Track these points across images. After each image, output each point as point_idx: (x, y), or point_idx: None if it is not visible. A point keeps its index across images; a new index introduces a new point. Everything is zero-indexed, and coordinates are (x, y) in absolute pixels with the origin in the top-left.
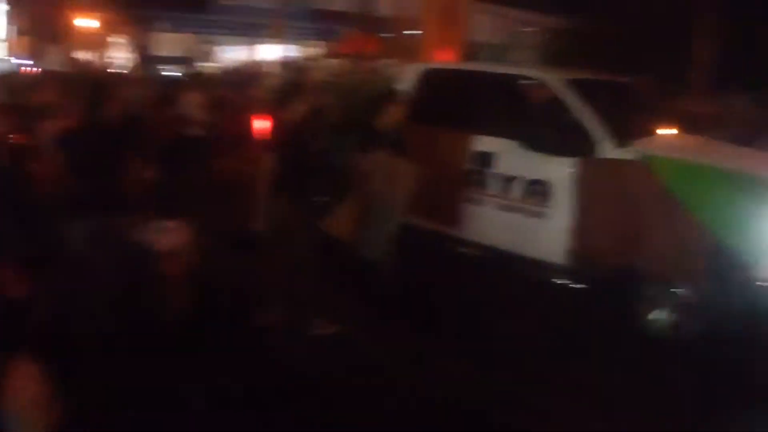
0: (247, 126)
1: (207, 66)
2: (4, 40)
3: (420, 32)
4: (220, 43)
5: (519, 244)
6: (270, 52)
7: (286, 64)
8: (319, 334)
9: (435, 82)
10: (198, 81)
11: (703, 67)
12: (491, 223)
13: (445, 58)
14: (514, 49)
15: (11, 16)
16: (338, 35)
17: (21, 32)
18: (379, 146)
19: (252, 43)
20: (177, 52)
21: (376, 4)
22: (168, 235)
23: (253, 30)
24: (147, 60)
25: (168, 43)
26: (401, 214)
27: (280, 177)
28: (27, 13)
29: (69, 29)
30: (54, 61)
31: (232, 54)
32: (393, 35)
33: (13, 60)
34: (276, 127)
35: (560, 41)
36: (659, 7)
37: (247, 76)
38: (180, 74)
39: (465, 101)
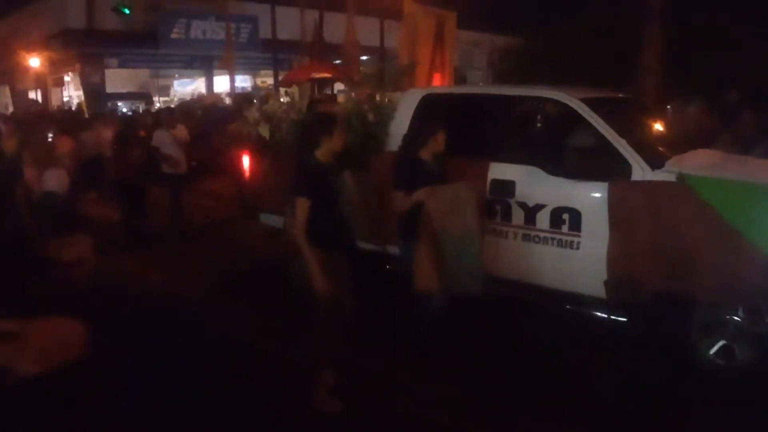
0: (238, 163)
1: (164, 100)
2: None
3: (367, 57)
4: (173, 77)
5: (548, 276)
6: (223, 84)
7: (245, 96)
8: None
9: (437, 108)
10: (167, 117)
11: (651, 75)
12: (515, 256)
13: (438, 83)
14: (466, 69)
15: None
16: (290, 64)
17: None
18: (428, 179)
19: (205, 75)
20: (131, 88)
21: (326, 31)
22: (70, 248)
23: (206, 62)
24: (99, 96)
25: (121, 78)
26: (480, 236)
27: (315, 226)
28: None
29: (17, 69)
30: (2, 104)
31: (186, 87)
32: (343, 62)
33: None
34: (304, 169)
35: (509, 60)
36: (604, 20)
37: (223, 110)
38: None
39: (474, 127)
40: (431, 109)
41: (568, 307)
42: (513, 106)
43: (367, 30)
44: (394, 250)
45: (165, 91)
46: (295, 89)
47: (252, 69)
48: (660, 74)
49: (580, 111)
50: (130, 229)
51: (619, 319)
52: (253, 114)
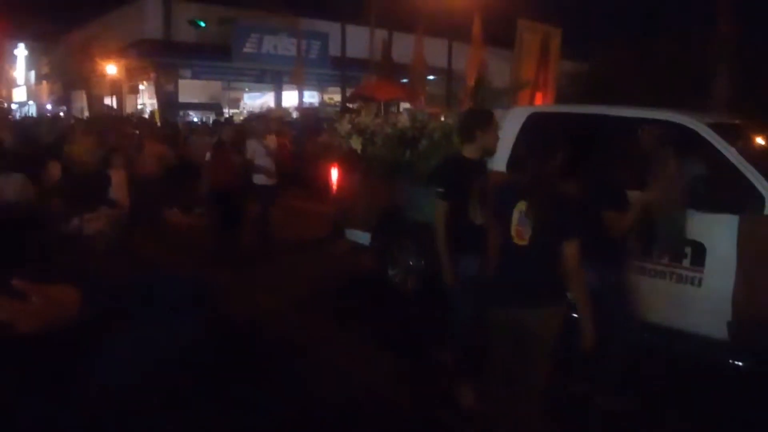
0: (326, 176)
1: (233, 112)
2: (23, 85)
3: (434, 77)
4: (243, 90)
5: (666, 314)
6: (291, 99)
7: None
8: None
9: (544, 127)
10: (260, 126)
11: (721, 103)
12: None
13: (540, 104)
14: None
15: (30, 61)
16: (358, 81)
17: (41, 78)
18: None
19: (274, 89)
20: (203, 99)
21: (394, 51)
22: (92, 222)
23: (276, 77)
24: (172, 105)
25: (193, 89)
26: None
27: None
28: (50, 59)
29: (93, 75)
30: (78, 108)
31: (256, 101)
32: (410, 81)
33: (33, 105)
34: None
35: (576, 85)
36: (672, 46)
37: (309, 121)
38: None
39: (584, 149)
40: (538, 127)
41: (683, 347)
42: (629, 128)
43: (435, 51)
44: None
45: (235, 103)
46: (361, 106)
47: (320, 85)
48: (730, 103)
49: (707, 137)
50: (224, 240)
51: (740, 363)
52: (344, 126)
